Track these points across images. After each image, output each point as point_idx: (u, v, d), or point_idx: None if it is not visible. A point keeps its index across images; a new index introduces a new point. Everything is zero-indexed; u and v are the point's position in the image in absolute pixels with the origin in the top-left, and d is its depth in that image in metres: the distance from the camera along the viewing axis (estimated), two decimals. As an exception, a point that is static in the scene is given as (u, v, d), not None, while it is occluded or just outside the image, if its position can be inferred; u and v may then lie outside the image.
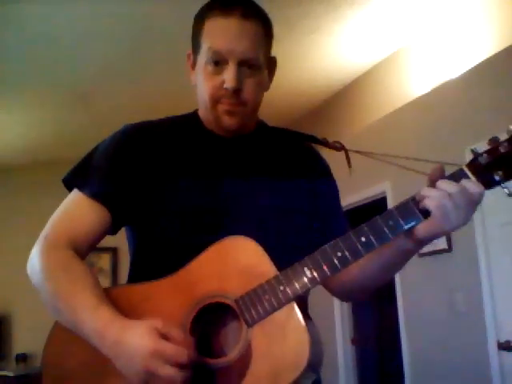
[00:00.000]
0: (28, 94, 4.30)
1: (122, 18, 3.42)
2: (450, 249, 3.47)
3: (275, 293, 0.91)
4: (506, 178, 0.91)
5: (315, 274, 0.91)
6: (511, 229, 3.08)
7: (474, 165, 0.91)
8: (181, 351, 0.84)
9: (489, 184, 0.91)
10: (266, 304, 0.91)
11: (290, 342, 0.89)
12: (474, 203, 0.89)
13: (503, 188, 0.92)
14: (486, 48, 3.33)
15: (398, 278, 3.94)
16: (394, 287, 3.98)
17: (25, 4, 3.12)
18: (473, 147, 0.92)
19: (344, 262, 0.91)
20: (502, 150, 0.90)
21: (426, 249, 3.88)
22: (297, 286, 0.91)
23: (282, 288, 0.91)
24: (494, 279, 3.16)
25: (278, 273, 0.93)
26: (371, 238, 0.91)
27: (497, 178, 0.91)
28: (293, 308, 0.91)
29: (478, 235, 3.24)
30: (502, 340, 3.05)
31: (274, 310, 0.91)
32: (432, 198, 0.88)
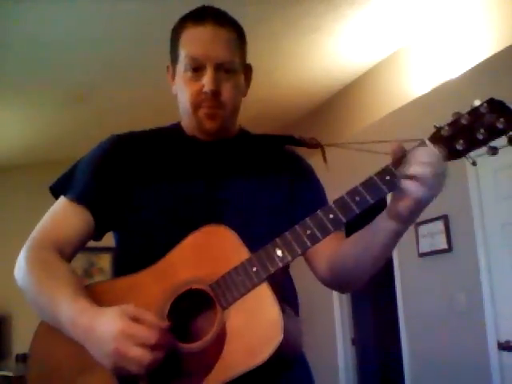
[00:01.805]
0: (27, 94, 4.30)
1: (122, 18, 3.43)
2: (450, 249, 3.47)
3: (248, 274, 0.94)
4: (468, 148, 0.92)
5: (286, 253, 0.94)
6: (511, 229, 3.09)
7: (435, 137, 0.93)
8: (150, 332, 0.87)
9: (453, 155, 0.92)
10: (240, 285, 0.94)
11: (263, 319, 0.91)
12: (439, 169, 0.89)
13: (467, 159, 0.93)
14: (486, 48, 3.33)
15: (397, 277, 3.95)
16: (394, 287, 3.99)
17: (25, 4, 3.12)
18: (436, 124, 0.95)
19: (313, 239, 0.94)
20: (463, 121, 0.92)
21: (426, 249, 3.86)
22: (268, 265, 0.94)
23: (254, 269, 0.94)
24: (494, 279, 3.16)
25: (251, 255, 0.96)
26: (338, 214, 0.93)
27: (459, 147, 0.92)
28: (265, 288, 0.93)
29: (478, 235, 3.24)
30: (502, 340, 3.06)
31: (248, 290, 0.93)
32: (408, 186, 0.90)
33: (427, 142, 0.93)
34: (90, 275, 5.56)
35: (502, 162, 2.94)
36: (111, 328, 0.88)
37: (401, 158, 0.92)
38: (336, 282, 1.15)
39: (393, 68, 4.22)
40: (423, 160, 0.89)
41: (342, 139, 4.39)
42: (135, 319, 0.88)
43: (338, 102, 4.92)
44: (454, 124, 0.92)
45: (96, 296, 0.98)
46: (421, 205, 0.91)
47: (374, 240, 1.01)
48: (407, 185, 0.89)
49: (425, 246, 3.64)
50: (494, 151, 0.92)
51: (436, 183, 0.89)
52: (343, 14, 3.59)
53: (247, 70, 1.19)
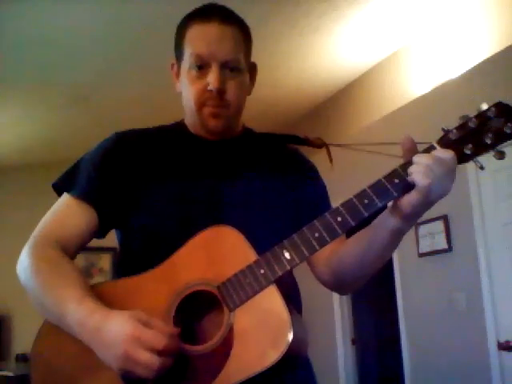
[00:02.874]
0: (27, 95, 4.30)
1: (122, 19, 3.43)
2: (450, 249, 3.47)
3: (256, 276, 0.93)
4: (476, 152, 0.92)
5: (294, 256, 0.93)
6: (511, 229, 3.09)
7: (444, 140, 0.93)
8: (159, 337, 0.86)
9: (461, 159, 0.92)
10: (247, 288, 0.93)
11: (272, 321, 0.90)
12: (450, 170, 0.89)
13: (475, 162, 0.93)
14: (486, 48, 3.33)
15: (397, 278, 3.95)
16: (394, 287, 3.99)
17: (25, 4, 3.12)
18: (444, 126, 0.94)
19: (321, 241, 0.93)
20: (471, 125, 0.92)
21: (425, 249, 3.86)
22: (276, 268, 0.93)
23: (262, 271, 0.93)
24: (493, 279, 3.16)
25: (259, 257, 0.95)
26: (347, 217, 0.92)
27: (467, 151, 0.92)
28: (273, 290, 0.92)
29: (478, 235, 3.24)
30: (502, 340, 3.06)
31: (256, 293, 0.93)
32: (414, 173, 0.89)
33: (436, 145, 0.93)
34: (90, 275, 5.55)
35: (502, 162, 2.91)
36: (121, 331, 0.87)
37: (410, 157, 0.92)
38: (336, 283, 1.15)
39: (393, 68, 4.22)
40: (435, 153, 0.89)
41: (342, 139, 4.39)
42: (145, 324, 0.88)
43: (338, 101, 4.92)
44: (462, 128, 0.92)
45: (100, 297, 0.97)
46: (425, 199, 0.89)
47: (375, 240, 1.00)
48: (414, 175, 0.88)
49: (425, 246, 3.64)
50: (501, 155, 0.92)
51: (437, 186, 0.87)
52: (343, 14, 3.59)
53: (252, 68, 1.19)
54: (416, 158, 0.90)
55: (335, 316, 4.65)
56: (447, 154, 0.90)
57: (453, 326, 3.42)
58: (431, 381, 3.60)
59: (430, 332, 3.62)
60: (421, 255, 3.68)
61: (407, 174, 0.90)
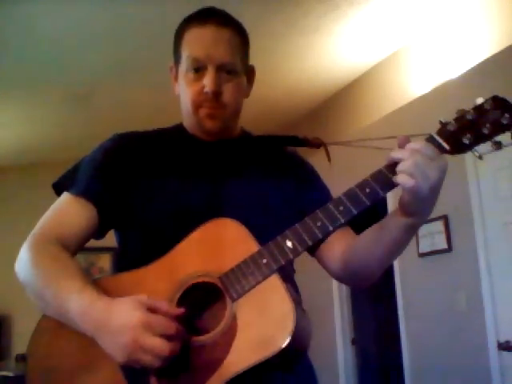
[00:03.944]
0: (27, 95, 4.30)
1: (124, 19, 3.43)
2: (450, 249, 3.48)
3: (258, 266, 0.93)
4: (475, 142, 0.93)
5: (296, 244, 0.94)
6: (511, 229, 3.09)
7: (442, 132, 0.94)
8: (169, 322, 0.87)
9: (460, 148, 0.94)
10: (250, 277, 0.93)
11: (275, 311, 0.90)
12: (429, 159, 0.89)
13: (473, 152, 0.95)
14: (486, 48, 3.33)
15: (397, 277, 3.95)
16: (394, 287, 3.99)
17: (27, 4, 3.12)
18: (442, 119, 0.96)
19: (324, 230, 0.94)
20: (468, 117, 0.93)
21: (426, 249, 3.85)
22: (279, 257, 0.93)
23: (264, 261, 0.93)
24: (494, 279, 3.16)
25: (261, 247, 0.95)
26: (349, 206, 0.93)
27: (466, 141, 0.93)
28: (276, 279, 0.92)
29: (478, 235, 3.24)
30: (502, 340, 3.06)
31: (258, 282, 0.93)
32: (399, 176, 0.90)
33: (435, 135, 0.94)
34: (90, 275, 5.56)
35: (502, 161, 2.94)
36: (128, 319, 0.87)
37: None
38: (350, 277, 1.16)
39: (393, 68, 4.22)
40: (404, 150, 0.90)
41: (341, 139, 4.39)
42: (151, 309, 0.88)
43: (337, 102, 4.92)
44: (460, 119, 0.94)
45: (101, 291, 0.97)
46: (416, 195, 0.89)
47: (385, 234, 1.01)
48: (398, 178, 0.89)
49: (425, 246, 3.64)
50: (498, 146, 0.93)
51: (419, 171, 0.87)
52: (343, 14, 3.59)
53: (250, 71, 1.20)
54: (394, 155, 0.91)
55: (335, 316, 4.65)
56: (419, 145, 0.91)
57: (453, 326, 3.42)
58: (431, 381, 3.60)
59: (430, 332, 3.62)
60: (421, 255, 3.68)
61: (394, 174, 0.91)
